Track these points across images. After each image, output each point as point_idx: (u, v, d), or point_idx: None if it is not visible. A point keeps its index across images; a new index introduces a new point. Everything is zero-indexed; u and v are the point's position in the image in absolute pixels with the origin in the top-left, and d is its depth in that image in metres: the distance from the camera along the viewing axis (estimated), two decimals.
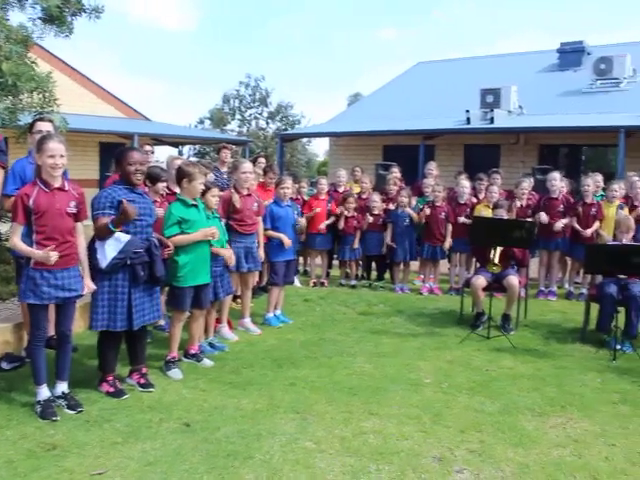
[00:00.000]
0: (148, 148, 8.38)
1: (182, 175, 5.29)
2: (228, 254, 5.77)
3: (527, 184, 8.73)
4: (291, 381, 5.20)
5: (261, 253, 6.80)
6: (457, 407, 4.73)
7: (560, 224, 8.34)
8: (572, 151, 17.23)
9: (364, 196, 9.37)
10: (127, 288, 4.60)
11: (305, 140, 36.15)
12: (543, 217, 8.32)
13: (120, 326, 4.62)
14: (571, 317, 7.37)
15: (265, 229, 6.93)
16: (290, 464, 3.82)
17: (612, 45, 20.31)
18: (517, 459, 3.94)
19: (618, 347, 6.07)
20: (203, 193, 5.66)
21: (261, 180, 8.10)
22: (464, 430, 4.32)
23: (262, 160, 10.28)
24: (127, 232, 4.55)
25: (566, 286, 8.99)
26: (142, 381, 4.99)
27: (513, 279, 6.74)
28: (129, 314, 4.61)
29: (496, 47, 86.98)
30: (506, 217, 7.10)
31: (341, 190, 9.61)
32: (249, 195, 6.63)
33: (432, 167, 9.90)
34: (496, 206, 7.27)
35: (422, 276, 9.15)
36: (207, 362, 5.61)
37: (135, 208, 4.45)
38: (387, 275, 9.54)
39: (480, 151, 17.02)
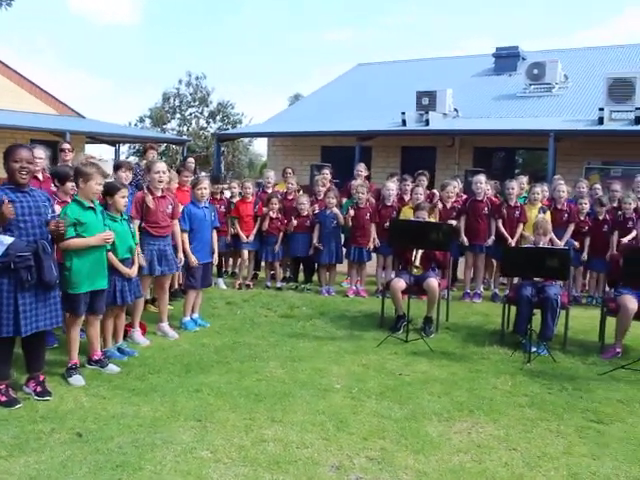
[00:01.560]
0: (66, 146, 8.05)
1: (78, 175, 5.04)
2: (127, 272, 5.58)
3: (452, 186, 8.73)
4: (197, 387, 5.01)
5: (181, 255, 6.60)
6: (364, 413, 4.64)
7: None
8: (506, 154, 17.49)
9: (290, 197, 9.24)
10: (12, 293, 4.33)
11: (247, 140, 35.87)
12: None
13: (6, 332, 4.36)
14: (493, 319, 7.36)
15: (182, 231, 6.73)
16: (181, 475, 3.66)
17: (545, 51, 20.79)
18: (416, 466, 3.86)
19: (534, 349, 6.09)
20: (112, 194, 5.46)
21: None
22: (367, 437, 4.23)
23: (191, 160, 10.09)
24: (12, 234, 4.29)
25: (492, 288, 9.04)
26: (38, 389, 4.73)
27: (433, 281, 6.70)
28: (16, 320, 4.35)
29: (440, 52, 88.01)
30: (427, 219, 7.06)
31: (269, 191, 9.47)
32: (163, 197, 6.43)
33: (361, 168, 9.84)
34: (417, 208, 7.23)
35: (349, 278, 9.06)
36: (112, 368, 5.38)
37: (11, 209, 4.20)
38: (316, 277, 9.43)
39: (416, 153, 17.13)
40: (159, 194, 6.37)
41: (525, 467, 3.92)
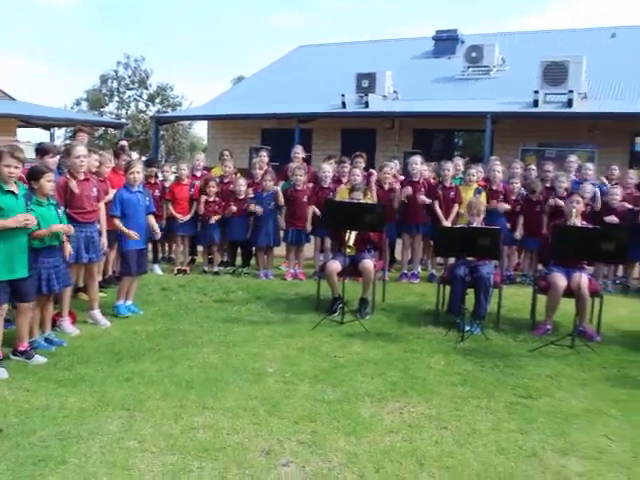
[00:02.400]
0: None
1: None
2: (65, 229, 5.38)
3: (390, 168, 8.72)
4: (127, 376, 4.88)
5: (104, 240, 6.42)
6: (296, 397, 4.60)
7: (425, 199, 8.43)
8: (445, 136, 17.66)
9: (227, 180, 9.10)
10: None
11: (187, 123, 35.29)
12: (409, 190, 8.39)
13: None
14: (428, 299, 7.40)
15: (113, 216, 6.54)
16: (106, 467, 3.55)
17: (483, 35, 21.02)
18: (347, 448, 3.85)
19: (467, 328, 6.16)
20: (37, 178, 5.25)
21: (114, 164, 7.69)
22: (298, 421, 4.19)
23: (124, 143, 9.84)
24: None
25: (429, 269, 9.12)
26: None
27: (368, 263, 6.70)
28: None
29: (384, 35, 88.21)
30: (362, 200, 7.04)
31: (198, 174, 9.32)
32: (87, 180, 6.22)
33: (298, 150, 9.76)
34: (353, 189, 7.20)
35: (287, 261, 9.00)
36: (39, 359, 5.19)
37: None
38: (254, 261, 9.34)
39: (356, 135, 17.12)
40: (82, 177, 6.17)
41: (455, 444, 3.95)
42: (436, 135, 17.72)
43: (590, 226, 6.30)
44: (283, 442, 3.90)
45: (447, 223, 8.22)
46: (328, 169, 8.81)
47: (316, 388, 4.77)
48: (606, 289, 8.62)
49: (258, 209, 8.59)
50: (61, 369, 5.05)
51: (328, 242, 8.65)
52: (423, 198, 8.49)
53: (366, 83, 16.37)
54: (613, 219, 8.21)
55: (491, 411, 4.47)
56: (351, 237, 6.57)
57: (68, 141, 30.01)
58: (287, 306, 7.23)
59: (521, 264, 9.36)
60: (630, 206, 8.39)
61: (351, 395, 4.64)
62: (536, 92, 14.55)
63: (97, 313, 6.42)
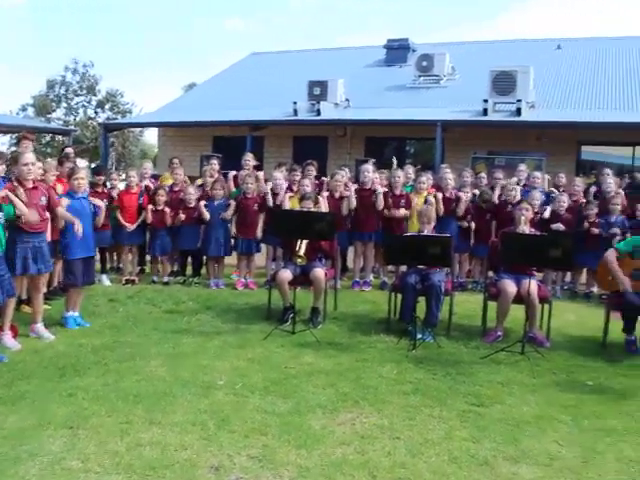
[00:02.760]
0: None
1: None
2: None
3: (340, 176, 8.70)
4: (71, 392, 4.71)
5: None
6: (246, 409, 4.50)
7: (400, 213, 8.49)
8: (397, 144, 17.77)
9: (176, 189, 8.95)
10: None
11: (138, 131, 34.76)
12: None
13: None
14: (380, 308, 7.37)
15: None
16: None
17: (434, 44, 21.23)
18: (298, 462, 3.77)
19: (419, 336, 6.15)
20: None
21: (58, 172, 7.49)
22: (249, 434, 4.10)
23: (69, 151, 9.60)
24: None
25: (381, 276, 9.11)
26: None
27: (319, 272, 6.64)
28: None
29: (336, 42, 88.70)
30: (312, 209, 6.98)
31: (145, 182, 9.14)
32: (35, 188, 6.02)
33: (248, 158, 9.64)
34: (303, 198, 7.14)
35: (238, 270, 8.88)
36: None
37: None
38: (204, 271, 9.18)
39: (308, 143, 17.08)
40: (30, 185, 5.96)
41: (408, 455, 3.92)
42: (388, 143, 17.81)
43: (538, 233, 6.38)
44: (233, 457, 3.80)
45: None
46: (279, 176, 8.75)
47: (267, 400, 4.68)
48: (555, 295, 8.75)
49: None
50: (0, 386, 4.84)
51: (280, 250, 8.59)
52: (400, 212, 8.52)
53: (318, 91, 16.35)
54: (559, 226, 8.36)
55: (443, 420, 4.45)
56: (302, 246, 6.51)
57: (14, 148, 29.27)
58: (238, 316, 7.11)
59: (472, 271, 9.43)
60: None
61: (302, 407, 4.57)
62: (485, 101, 14.74)
63: (40, 326, 6.20)
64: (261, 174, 9.36)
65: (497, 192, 8.95)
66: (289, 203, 8.31)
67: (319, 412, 4.50)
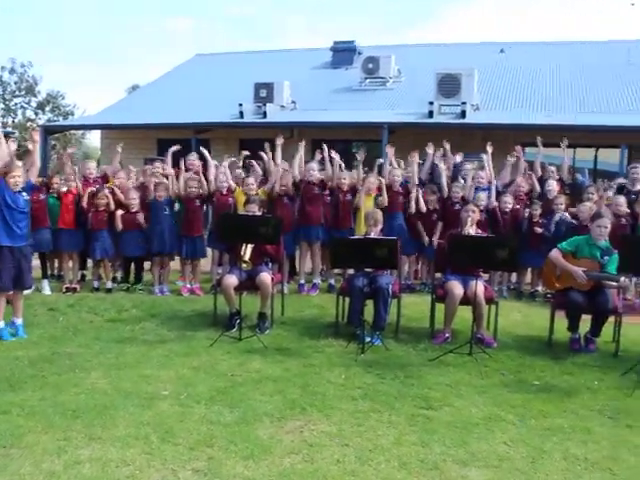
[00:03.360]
0: None
1: None
2: None
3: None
4: (4, 408, 4.48)
5: None
6: (192, 420, 4.36)
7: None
8: (344, 146, 17.76)
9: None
10: None
11: (80, 133, 33.93)
12: None
13: None
14: (329, 311, 7.27)
15: None
16: None
17: (380, 46, 21.34)
18: (245, 473, 3.66)
19: (368, 340, 6.11)
20: None
21: None
22: (194, 446, 3.97)
23: None
24: None
25: (329, 279, 9.03)
26: None
27: (265, 276, 6.53)
28: None
29: (282, 45, 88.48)
30: (258, 213, 6.87)
31: (91, 182, 8.87)
32: None
33: (193, 158, 9.46)
34: (248, 201, 7.02)
35: (183, 276, 8.69)
36: None
37: None
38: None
39: (255, 145, 16.90)
40: None
41: (357, 462, 3.85)
42: (335, 145, 17.77)
43: (484, 235, 6.41)
44: (177, 471, 3.67)
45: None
46: (223, 178, 8.59)
47: (213, 410, 4.55)
48: (501, 295, 8.83)
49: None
50: None
51: (226, 255, 8.43)
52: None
53: (264, 93, 16.24)
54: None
55: (392, 425, 4.40)
56: (247, 251, 6.38)
57: None
58: (183, 323, 6.94)
59: (420, 272, 9.45)
60: None
61: (249, 416, 4.46)
62: (431, 103, 14.87)
63: None
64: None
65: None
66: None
67: (266, 421, 4.39)
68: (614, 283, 6.19)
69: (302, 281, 8.79)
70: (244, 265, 6.35)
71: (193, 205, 8.40)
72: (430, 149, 9.37)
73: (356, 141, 17.58)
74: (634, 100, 15.85)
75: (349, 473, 3.71)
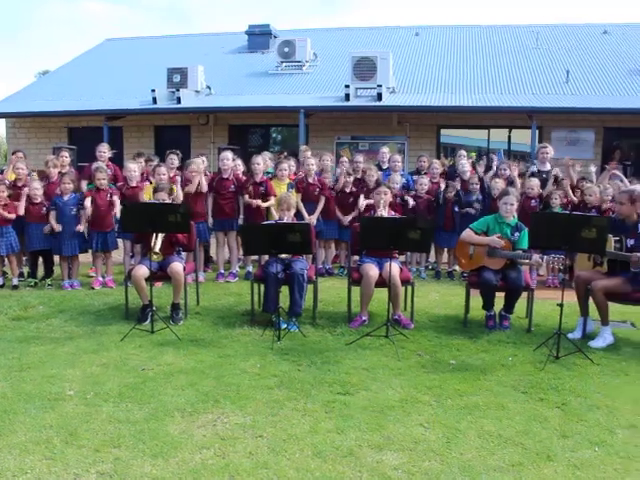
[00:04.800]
0: None
1: None
2: None
3: (197, 165, 8.35)
4: None
5: None
6: (98, 420, 4.15)
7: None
8: (262, 131, 17.58)
9: (20, 184, 8.25)
10: None
11: None
12: None
13: None
14: (245, 299, 7.15)
15: None
16: None
17: (296, 30, 21.16)
18: (154, 473, 3.50)
19: (284, 326, 6.01)
20: None
21: None
22: (99, 448, 3.76)
23: None
24: None
25: (246, 266, 8.88)
26: None
27: (177, 266, 6.31)
28: None
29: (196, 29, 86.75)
30: (168, 201, 6.63)
31: None
32: None
33: (104, 149, 9.06)
34: (156, 189, 6.76)
35: (95, 268, 8.34)
36: None
37: None
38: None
39: (171, 132, 16.58)
40: None
41: (270, 453, 3.75)
42: (252, 130, 17.58)
43: (397, 216, 6.40)
44: (80, 476, 3.47)
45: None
46: (134, 168, 8.28)
47: (121, 408, 4.35)
48: (419, 275, 8.94)
49: (55, 226, 7.89)
50: None
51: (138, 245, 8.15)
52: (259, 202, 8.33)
53: (178, 78, 15.81)
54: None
55: (308, 412, 4.31)
56: (157, 242, 6.14)
57: None
58: (94, 318, 6.63)
59: (339, 256, 9.43)
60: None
61: (159, 412, 4.28)
62: (347, 86, 14.83)
63: None
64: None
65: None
66: (144, 194, 7.91)
67: (178, 416, 4.23)
68: (526, 260, 6.30)
69: (221, 269, 8.61)
70: (154, 257, 6.11)
71: (103, 199, 8.02)
72: (360, 157, 9.37)
73: (274, 126, 17.43)
74: (542, 82, 16.28)
75: (262, 465, 3.60)
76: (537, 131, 14.53)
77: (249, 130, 17.43)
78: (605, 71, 16.66)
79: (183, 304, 6.55)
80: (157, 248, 6.09)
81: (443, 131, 16.40)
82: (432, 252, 9.30)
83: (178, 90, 15.57)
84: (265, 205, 8.29)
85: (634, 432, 4.14)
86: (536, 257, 6.14)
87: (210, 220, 8.43)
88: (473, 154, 16.25)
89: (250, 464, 3.62)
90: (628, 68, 16.77)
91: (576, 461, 3.74)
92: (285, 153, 13.28)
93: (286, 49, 18.29)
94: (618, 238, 5.92)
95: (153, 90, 15.42)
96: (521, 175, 9.30)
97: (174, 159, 8.78)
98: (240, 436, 3.96)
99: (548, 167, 9.41)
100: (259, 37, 20.76)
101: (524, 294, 6.39)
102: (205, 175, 8.40)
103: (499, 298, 6.43)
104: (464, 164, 9.35)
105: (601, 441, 3.99)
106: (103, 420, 4.15)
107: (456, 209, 8.69)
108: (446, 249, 9.02)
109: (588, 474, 3.60)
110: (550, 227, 5.51)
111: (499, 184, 8.26)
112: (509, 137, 16.32)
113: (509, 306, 6.36)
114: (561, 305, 5.50)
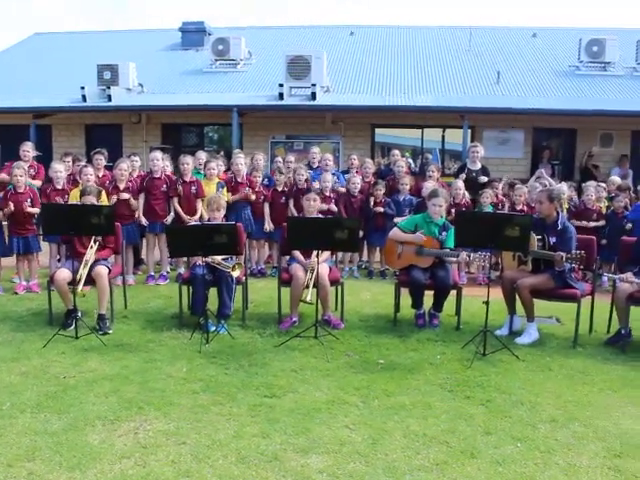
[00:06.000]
0: None
1: None
2: None
3: (126, 165, 8.17)
4: None
5: None
6: (13, 433, 3.99)
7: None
8: (196, 130, 17.35)
9: None
10: None
11: None
12: None
13: None
14: (175, 302, 6.98)
15: None
16: None
17: (231, 28, 20.93)
18: None
19: (213, 329, 5.94)
20: None
21: None
22: (12, 462, 3.61)
23: None
24: None
25: (178, 268, 8.73)
26: None
27: (101, 269, 6.13)
28: None
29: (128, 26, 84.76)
30: (97, 204, 6.43)
31: None
32: None
33: (27, 148, 8.72)
34: (83, 193, 6.54)
35: (18, 272, 8.01)
36: None
37: None
38: None
39: (102, 131, 16.16)
40: None
41: (193, 461, 3.68)
42: (187, 129, 17.33)
43: (322, 217, 6.40)
44: None
45: (193, 220, 7.95)
46: (60, 168, 8.01)
47: (39, 418, 4.19)
48: (353, 275, 8.97)
49: None
50: None
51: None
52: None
53: (108, 75, 15.39)
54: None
55: (233, 417, 4.26)
56: (84, 273, 5.92)
57: None
58: (16, 324, 6.35)
59: (272, 257, 9.38)
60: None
61: (79, 421, 4.15)
62: (281, 85, 14.76)
63: None
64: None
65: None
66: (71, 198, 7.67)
67: (98, 425, 4.11)
68: (454, 259, 6.39)
69: (151, 272, 8.44)
70: (79, 293, 5.90)
71: (22, 200, 7.65)
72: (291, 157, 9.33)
73: (208, 125, 17.21)
74: (474, 83, 16.60)
75: (183, 474, 3.53)
76: (469, 131, 14.79)
77: (183, 129, 17.17)
78: (534, 73, 17.10)
79: (109, 308, 6.35)
80: (81, 286, 5.88)
81: (377, 130, 16.51)
82: (365, 251, 9.37)
83: (109, 88, 15.17)
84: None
85: (555, 426, 4.24)
86: (463, 255, 6.23)
87: (144, 220, 8.22)
88: (408, 153, 16.52)
89: (172, 472, 3.54)
90: (556, 70, 17.26)
91: (499, 457, 3.80)
92: (222, 152, 13.18)
93: (220, 47, 18.07)
94: (541, 237, 6.05)
95: (83, 87, 14.99)
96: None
97: (101, 159, 8.55)
98: (162, 443, 3.88)
99: (479, 166, 9.60)
100: (193, 34, 20.45)
101: (453, 292, 6.48)
102: (131, 176, 8.22)
103: (429, 297, 6.50)
104: (400, 164, 9.44)
105: (523, 436, 4.07)
106: (18, 432, 3.99)
107: (381, 209, 8.74)
108: (378, 248, 9.07)
109: (510, 470, 3.67)
110: (475, 226, 5.61)
111: (429, 184, 8.36)
112: (443, 137, 16.56)
113: (438, 304, 6.43)
114: (487, 303, 5.58)
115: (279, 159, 9.95)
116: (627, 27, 18.63)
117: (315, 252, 5.94)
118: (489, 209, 8.53)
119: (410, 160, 16.36)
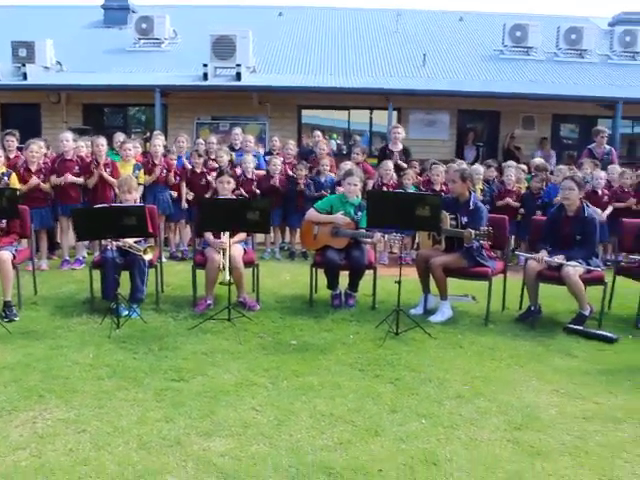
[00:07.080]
0: None
1: None
2: None
3: (38, 146, 7.86)
4: None
5: None
6: None
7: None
8: (117, 110, 16.89)
9: None
10: None
11: None
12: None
13: None
14: (87, 287, 6.82)
15: None
16: None
17: (155, 6, 20.36)
18: None
19: (125, 313, 5.81)
20: None
21: None
22: None
23: None
24: None
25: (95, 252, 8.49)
26: None
27: (3, 254, 5.82)
28: None
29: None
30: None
31: None
32: None
33: None
34: None
35: None
36: None
37: None
38: None
39: (18, 111, 15.53)
40: None
41: (92, 449, 3.59)
42: (110, 110, 16.85)
43: (234, 197, 6.34)
44: None
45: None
46: None
47: None
48: (274, 256, 8.95)
49: None
50: None
51: None
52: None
53: (24, 52, 14.76)
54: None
55: (138, 402, 4.17)
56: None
57: None
58: None
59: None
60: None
61: None
62: (205, 65, 14.50)
63: None
64: None
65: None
66: None
67: None
68: (369, 240, 6.42)
69: (66, 256, 8.19)
70: None
71: None
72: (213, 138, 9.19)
73: (132, 105, 16.77)
74: (400, 65, 16.72)
75: (81, 462, 3.44)
76: (395, 113, 14.89)
77: (106, 110, 16.69)
78: (460, 56, 17.35)
79: (17, 295, 6.12)
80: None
81: (304, 112, 16.44)
82: (287, 232, 9.35)
83: (24, 65, 14.58)
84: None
85: (460, 402, 4.33)
86: (378, 236, 6.26)
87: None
88: (335, 135, 16.56)
89: (68, 462, 3.44)
90: (481, 54, 17.57)
91: (402, 434, 3.85)
92: (148, 134, 12.87)
93: (144, 25, 17.59)
94: (454, 216, 6.15)
95: None
96: None
97: (12, 140, 8.22)
98: (61, 432, 3.77)
99: (400, 147, 9.69)
100: (116, 12, 19.82)
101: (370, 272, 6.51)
102: (46, 157, 7.93)
103: (345, 276, 6.52)
104: (319, 143, 9.43)
105: (429, 413, 4.14)
106: None
107: (307, 190, 8.73)
108: (299, 229, 9.05)
109: (412, 446, 3.72)
110: (386, 206, 5.64)
111: (348, 165, 8.36)
112: (370, 118, 16.61)
113: (353, 284, 6.47)
114: (399, 282, 5.64)
115: (200, 140, 9.78)
116: (549, 14, 19.12)
117: (226, 233, 5.87)
118: (412, 189, 8.62)
119: (337, 142, 16.44)
